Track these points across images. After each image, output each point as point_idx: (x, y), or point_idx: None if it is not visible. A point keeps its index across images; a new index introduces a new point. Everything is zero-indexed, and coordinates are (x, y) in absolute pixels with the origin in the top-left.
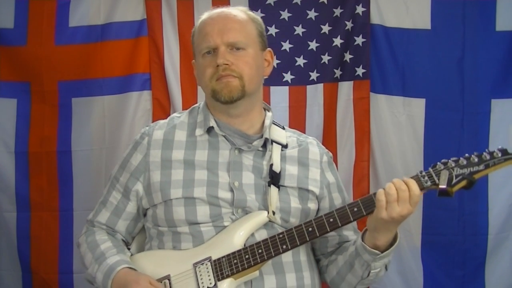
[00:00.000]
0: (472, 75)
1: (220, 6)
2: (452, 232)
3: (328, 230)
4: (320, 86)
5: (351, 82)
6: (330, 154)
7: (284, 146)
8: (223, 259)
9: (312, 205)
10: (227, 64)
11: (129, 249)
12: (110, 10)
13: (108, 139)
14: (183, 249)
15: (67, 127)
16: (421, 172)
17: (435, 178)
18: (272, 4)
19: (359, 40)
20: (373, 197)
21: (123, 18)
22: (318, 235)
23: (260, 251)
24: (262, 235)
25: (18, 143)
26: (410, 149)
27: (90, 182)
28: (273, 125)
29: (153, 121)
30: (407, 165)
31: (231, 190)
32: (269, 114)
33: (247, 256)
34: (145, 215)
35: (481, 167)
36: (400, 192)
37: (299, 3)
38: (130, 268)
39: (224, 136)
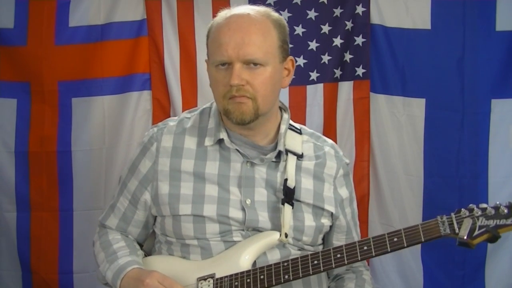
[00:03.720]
0: (472, 75)
1: (222, 8)
2: None
3: (333, 266)
4: (320, 86)
5: (351, 82)
6: (347, 162)
7: (300, 156)
8: (226, 279)
9: (326, 221)
10: (241, 85)
11: (141, 246)
12: (110, 10)
13: (108, 139)
14: (191, 260)
15: (67, 127)
16: (441, 217)
17: (456, 227)
18: (272, 4)
19: (359, 40)
20: (386, 237)
21: (123, 18)
22: (322, 269)
23: (262, 277)
24: (273, 254)
25: (18, 143)
26: (410, 149)
27: (90, 182)
28: (288, 130)
29: (153, 122)
30: (407, 165)
31: (243, 209)
32: (285, 117)
33: (248, 280)
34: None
35: (509, 221)
36: None
37: (299, 3)
38: (140, 268)
39: (236, 149)
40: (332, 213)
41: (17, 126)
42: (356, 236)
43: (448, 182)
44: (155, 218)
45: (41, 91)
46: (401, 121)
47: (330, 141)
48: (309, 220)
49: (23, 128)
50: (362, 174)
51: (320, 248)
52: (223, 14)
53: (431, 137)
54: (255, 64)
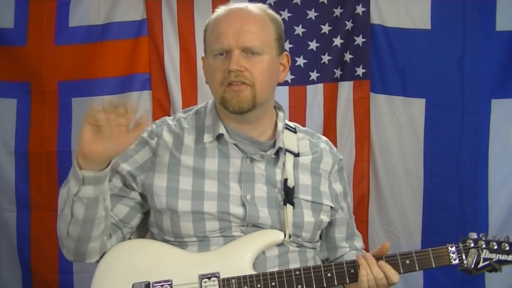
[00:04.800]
0: (472, 75)
1: (221, 5)
2: (452, 232)
3: (347, 281)
4: (320, 86)
5: (351, 82)
6: (341, 157)
7: (296, 155)
8: (233, 280)
9: (325, 217)
10: (240, 71)
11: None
12: (110, 10)
13: None
14: (188, 250)
15: (67, 127)
16: (451, 246)
17: (464, 258)
18: (272, 4)
19: (359, 40)
20: (398, 258)
21: (123, 18)
22: (336, 283)
23: (273, 283)
24: (271, 250)
25: (18, 143)
26: (410, 149)
27: None
28: (285, 130)
29: (153, 121)
30: (407, 165)
31: (243, 205)
32: (281, 115)
33: (258, 286)
34: (147, 215)
35: (510, 257)
36: (378, 280)
37: (299, 3)
38: None
39: (235, 144)
40: (331, 207)
41: (17, 126)
42: (354, 229)
43: (448, 182)
44: (147, 213)
45: (41, 91)
46: (401, 121)
47: (324, 137)
48: (308, 216)
49: (23, 128)
50: (362, 174)
51: (318, 245)
52: (222, 8)
53: (431, 137)
54: (253, 53)
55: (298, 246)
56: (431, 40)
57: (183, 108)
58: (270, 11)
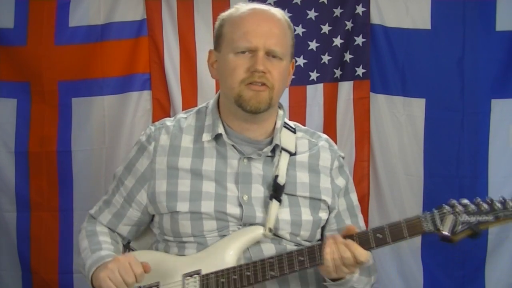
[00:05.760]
0: (472, 75)
1: (241, 3)
2: None
3: (319, 262)
4: (320, 86)
5: (351, 82)
6: (342, 154)
7: (293, 154)
8: (212, 275)
9: (323, 215)
10: (264, 72)
11: (129, 245)
12: (110, 10)
13: (108, 139)
14: (182, 255)
15: (67, 127)
16: (424, 214)
17: (438, 223)
18: (272, 4)
19: (359, 40)
20: (371, 233)
21: (123, 18)
22: (309, 265)
23: (248, 273)
24: (269, 249)
25: (18, 143)
26: (410, 149)
27: (90, 182)
28: (283, 129)
29: (153, 122)
30: (407, 165)
31: (240, 205)
32: (280, 113)
33: (234, 277)
34: (151, 219)
35: (490, 217)
36: (344, 259)
37: (299, 3)
38: None
39: (233, 145)
40: (329, 205)
41: (17, 126)
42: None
43: (448, 182)
44: (152, 217)
45: (41, 91)
46: (401, 121)
47: (324, 136)
48: (306, 215)
49: (23, 128)
50: (362, 174)
51: None
52: (243, 6)
53: (431, 137)
54: (274, 56)
55: (296, 245)
56: (431, 40)
57: (183, 108)
58: (287, 17)
